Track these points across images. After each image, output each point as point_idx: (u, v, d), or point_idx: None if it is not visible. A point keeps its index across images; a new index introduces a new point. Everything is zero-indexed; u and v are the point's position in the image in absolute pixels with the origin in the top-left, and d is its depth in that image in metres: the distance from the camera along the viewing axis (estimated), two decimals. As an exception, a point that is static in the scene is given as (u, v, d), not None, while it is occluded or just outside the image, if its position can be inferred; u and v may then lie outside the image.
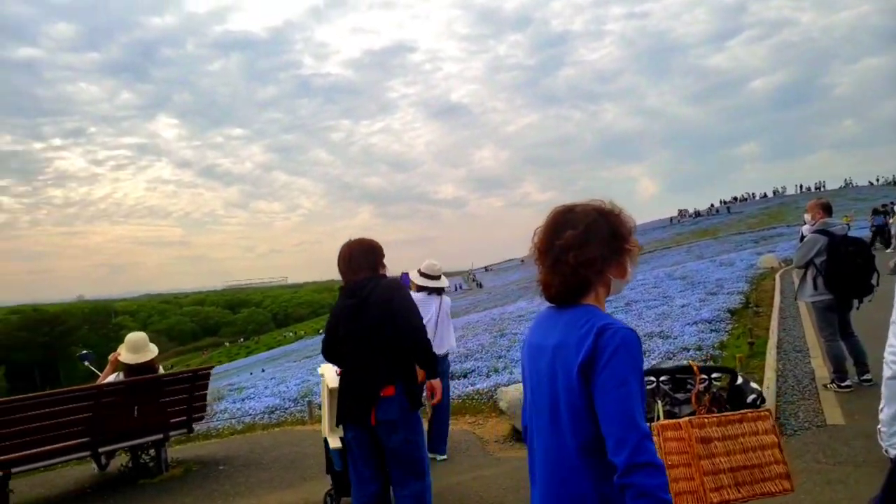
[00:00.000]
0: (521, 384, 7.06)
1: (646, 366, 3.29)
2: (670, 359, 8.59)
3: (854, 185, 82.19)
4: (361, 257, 3.63)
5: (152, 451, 6.17)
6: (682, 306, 14.72)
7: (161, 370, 6.26)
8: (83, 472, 6.50)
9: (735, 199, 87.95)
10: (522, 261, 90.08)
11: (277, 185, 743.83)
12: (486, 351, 12.25)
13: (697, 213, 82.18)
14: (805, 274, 6.36)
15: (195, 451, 7.17)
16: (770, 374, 7.40)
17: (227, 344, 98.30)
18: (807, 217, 6.53)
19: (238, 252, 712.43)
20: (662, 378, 3.05)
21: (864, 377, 6.26)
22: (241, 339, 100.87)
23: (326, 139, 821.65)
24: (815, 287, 6.20)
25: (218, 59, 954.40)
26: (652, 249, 57.36)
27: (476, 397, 8.10)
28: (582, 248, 1.65)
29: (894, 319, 1.94)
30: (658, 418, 2.97)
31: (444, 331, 5.89)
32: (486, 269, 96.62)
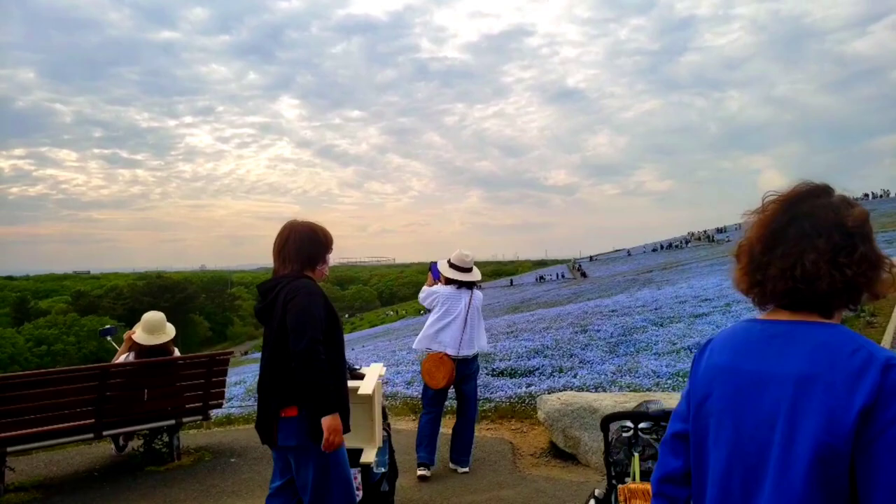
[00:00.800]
0: (567, 392, 6.26)
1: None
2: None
3: None
4: (296, 246, 2.98)
5: (166, 437, 5.89)
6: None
7: (177, 353, 5.95)
8: (103, 451, 6.32)
9: (866, 195, 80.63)
10: (629, 252, 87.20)
11: (391, 167, 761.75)
12: (558, 347, 11.39)
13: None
14: None
15: (220, 438, 6.87)
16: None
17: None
18: None
19: (351, 231, 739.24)
20: (643, 425, 2.26)
21: None
22: (347, 315, 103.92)
23: (440, 123, 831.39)
24: None
25: (340, 42, 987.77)
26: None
27: (528, 400, 7.35)
28: (870, 240, 1.20)
29: None
30: (633, 478, 2.20)
31: (475, 330, 5.21)
32: (591, 258, 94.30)
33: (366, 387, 3.78)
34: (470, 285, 5.26)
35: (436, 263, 5.47)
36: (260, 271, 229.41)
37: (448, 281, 5.25)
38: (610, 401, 5.17)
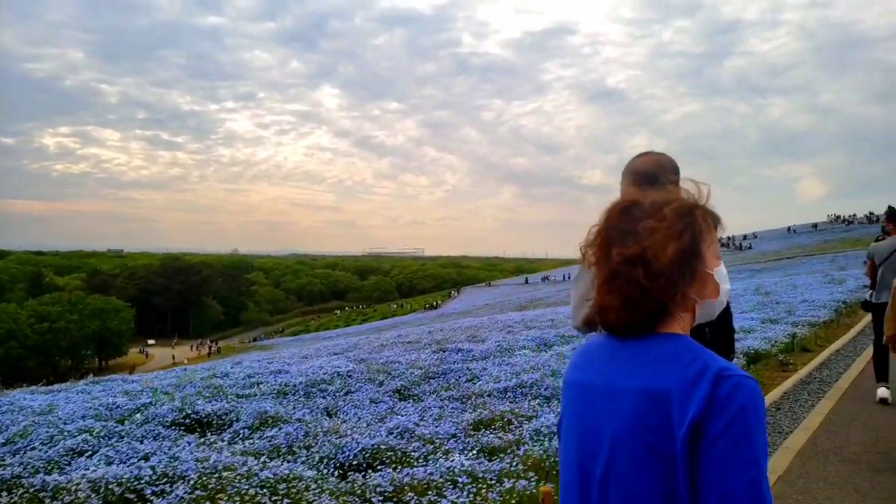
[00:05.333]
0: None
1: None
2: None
3: None
4: None
5: None
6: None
7: None
8: None
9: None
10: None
11: (426, 160, 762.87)
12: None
13: (848, 221, 72.37)
14: None
15: None
16: None
17: (337, 312, 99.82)
18: None
19: (383, 221, 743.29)
20: None
21: None
22: (360, 306, 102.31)
23: (477, 118, 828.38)
24: None
25: (383, 34, 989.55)
26: (792, 256, 50.23)
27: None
28: None
29: None
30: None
31: None
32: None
33: None
34: None
35: None
36: (289, 257, 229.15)
37: None
38: None
